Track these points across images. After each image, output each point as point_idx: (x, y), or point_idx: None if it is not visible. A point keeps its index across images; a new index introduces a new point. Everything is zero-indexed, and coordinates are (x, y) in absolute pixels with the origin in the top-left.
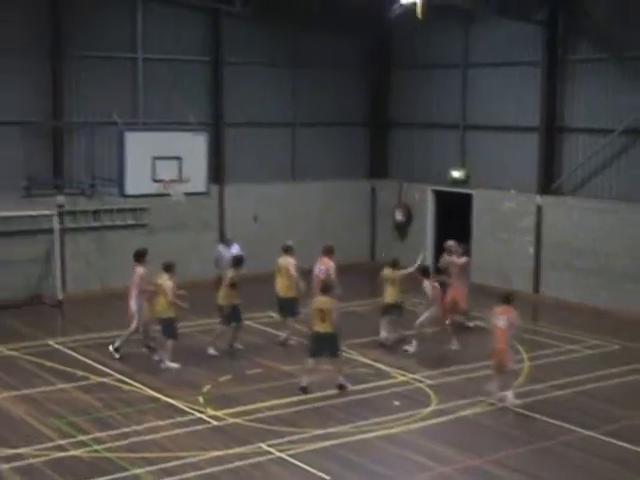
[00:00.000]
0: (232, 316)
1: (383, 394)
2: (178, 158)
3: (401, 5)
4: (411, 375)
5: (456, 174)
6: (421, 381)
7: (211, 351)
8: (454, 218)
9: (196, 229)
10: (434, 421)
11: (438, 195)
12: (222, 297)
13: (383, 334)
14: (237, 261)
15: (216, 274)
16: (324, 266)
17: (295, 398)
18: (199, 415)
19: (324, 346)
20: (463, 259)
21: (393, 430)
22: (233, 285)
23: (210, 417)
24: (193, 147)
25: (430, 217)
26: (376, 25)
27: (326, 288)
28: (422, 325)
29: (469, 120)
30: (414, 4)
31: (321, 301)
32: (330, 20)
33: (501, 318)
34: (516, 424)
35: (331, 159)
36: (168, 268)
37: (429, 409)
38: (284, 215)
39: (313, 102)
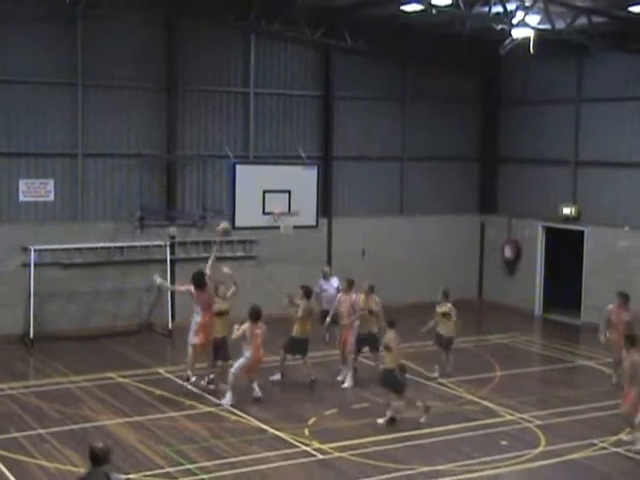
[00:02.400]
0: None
1: (490, 433)
2: (288, 191)
3: (513, 40)
4: (519, 415)
5: (567, 210)
6: (530, 421)
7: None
8: (565, 256)
9: (304, 262)
10: (543, 463)
11: (548, 232)
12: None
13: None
14: (308, 292)
15: (319, 308)
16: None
17: (401, 434)
18: (304, 448)
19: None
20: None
21: (500, 470)
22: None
23: (315, 450)
24: (303, 180)
25: (540, 254)
26: (488, 60)
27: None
28: None
29: (581, 156)
30: (527, 39)
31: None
32: (441, 54)
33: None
34: (629, 471)
35: (440, 194)
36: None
37: (537, 450)
38: (391, 250)
39: (422, 136)
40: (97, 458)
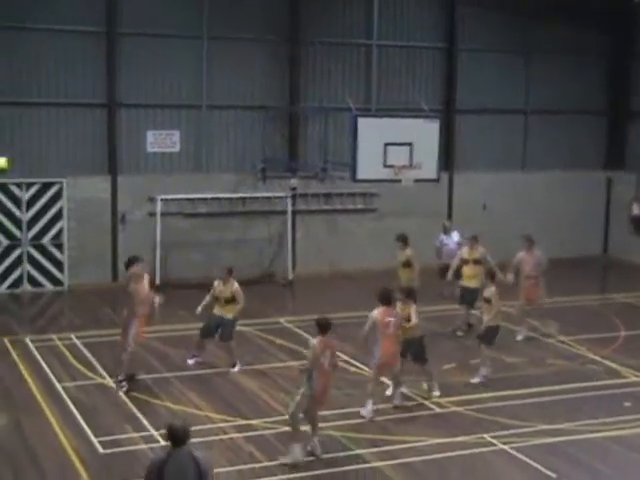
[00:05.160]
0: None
1: (613, 393)
2: (409, 144)
3: None
4: None
5: None
6: None
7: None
8: None
9: (425, 216)
10: None
11: None
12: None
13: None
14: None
15: (439, 263)
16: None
17: (519, 391)
18: (422, 401)
19: None
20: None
21: (623, 432)
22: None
23: (433, 404)
24: (425, 134)
25: None
26: (619, 12)
27: None
28: None
29: None
30: None
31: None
32: (568, 5)
33: None
34: None
35: (564, 148)
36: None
37: None
38: (513, 205)
39: (547, 90)
40: (178, 438)
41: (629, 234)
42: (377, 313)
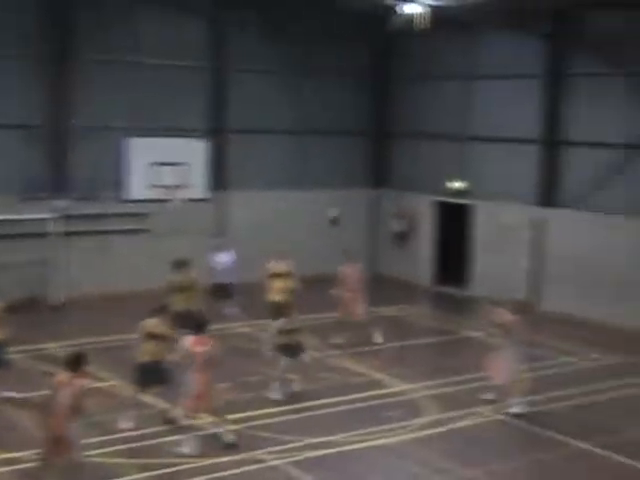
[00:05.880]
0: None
1: (377, 404)
2: (180, 164)
3: (402, 16)
4: (407, 385)
5: (456, 185)
6: (417, 391)
7: None
8: (454, 229)
9: (197, 235)
10: (429, 432)
11: (438, 206)
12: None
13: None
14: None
15: (213, 282)
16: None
17: (290, 407)
18: (194, 421)
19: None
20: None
21: (387, 440)
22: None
23: (207, 423)
24: (195, 153)
25: (429, 227)
26: (380, 36)
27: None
28: None
29: (471, 131)
30: (418, 15)
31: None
32: (334, 30)
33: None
34: (511, 436)
35: (333, 168)
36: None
37: (424, 420)
38: (285, 223)
39: (317, 111)
40: None
41: (393, 250)
42: (188, 342)
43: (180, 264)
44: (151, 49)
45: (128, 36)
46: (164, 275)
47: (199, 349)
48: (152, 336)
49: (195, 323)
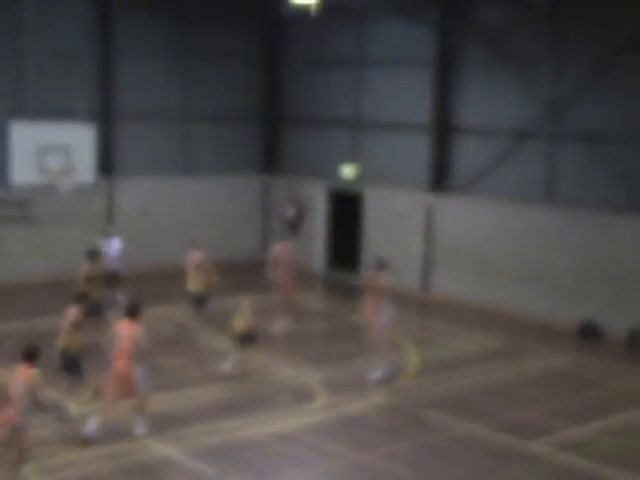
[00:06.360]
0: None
1: (268, 390)
2: (66, 148)
3: (293, 2)
4: (299, 370)
5: (348, 171)
6: (309, 376)
7: None
8: (347, 215)
9: (83, 222)
10: (321, 416)
11: (330, 192)
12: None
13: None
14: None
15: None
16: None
17: (180, 394)
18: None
19: None
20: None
21: (278, 426)
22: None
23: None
24: (81, 139)
25: (321, 214)
26: (273, 21)
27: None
28: None
29: (362, 118)
30: (309, 2)
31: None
32: (226, 13)
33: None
34: (401, 419)
35: (224, 154)
36: None
37: (316, 404)
38: (175, 209)
39: (206, 96)
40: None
41: (285, 236)
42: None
43: (93, 254)
44: (37, 32)
45: (13, 19)
46: (47, 264)
47: (124, 333)
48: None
49: (128, 308)
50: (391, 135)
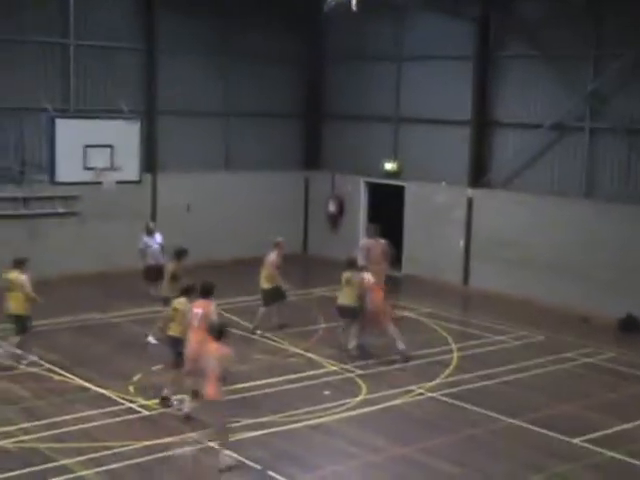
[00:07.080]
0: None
1: (314, 384)
2: (110, 146)
3: None
4: (342, 365)
5: (388, 166)
6: (351, 371)
7: (151, 339)
8: (387, 210)
9: (128, 218)
10: (364, 410)
11: (371, 187)
12: (165, 289)
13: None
14: (180, 253)
15: (143, 265)
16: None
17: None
18: (129, 405)
19: None
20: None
21: (323, 419)
22: (174, 277)
23: (140, 407)
24: (125, 135)
25: (362, 209)
26: (311, 17)
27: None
28: None
29: (402, 113)
30: None
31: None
32: (265, 11)
33: None
34: (443, 413)
35: (264, 150)
36: (19, 264)
37: (359, 399)
38: (217, 205)
39: (247, 93)
40: None
41: (326, 231)
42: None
43: (179, 253)
44: (81, 31)
45: (57, 18)
46: (93, 259)
47: (198, 311)
48: None
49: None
50: (431, 130)
